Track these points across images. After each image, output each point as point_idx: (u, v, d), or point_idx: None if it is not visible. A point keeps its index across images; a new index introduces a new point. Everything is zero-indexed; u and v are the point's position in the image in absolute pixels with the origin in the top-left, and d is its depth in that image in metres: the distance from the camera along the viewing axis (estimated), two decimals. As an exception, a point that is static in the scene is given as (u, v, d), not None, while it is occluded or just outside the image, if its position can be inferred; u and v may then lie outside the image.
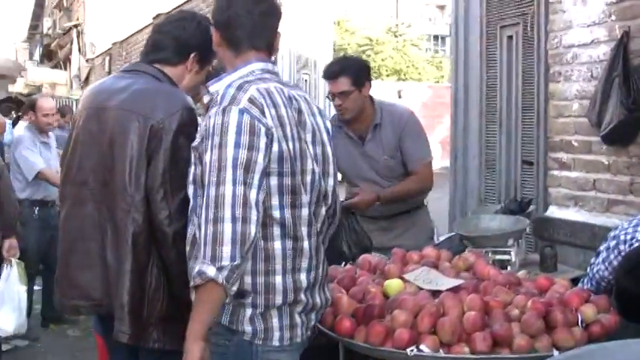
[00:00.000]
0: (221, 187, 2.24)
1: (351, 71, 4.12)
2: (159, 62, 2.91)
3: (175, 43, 2.90)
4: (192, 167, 2.46)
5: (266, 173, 2.33)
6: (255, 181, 2.27)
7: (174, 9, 12.20)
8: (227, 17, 2.53)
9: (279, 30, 2.62)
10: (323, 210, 2.58)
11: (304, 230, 2.46)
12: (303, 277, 2.47)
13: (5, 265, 5.34)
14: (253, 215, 2.25)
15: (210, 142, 2.31)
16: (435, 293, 2.89)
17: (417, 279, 3.05)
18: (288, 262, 2.43)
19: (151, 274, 2.71)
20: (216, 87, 2.49)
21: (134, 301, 2.68)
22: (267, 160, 2.33)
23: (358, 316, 2.80)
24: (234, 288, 2.25)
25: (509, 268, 3.66)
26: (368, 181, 4.27)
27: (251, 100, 2.34)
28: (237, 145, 2.27)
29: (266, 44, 2.57)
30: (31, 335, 6.29)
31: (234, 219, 2.22)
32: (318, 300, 2.56)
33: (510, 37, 5.67)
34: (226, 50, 2.57)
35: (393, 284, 3.02)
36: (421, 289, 2.96)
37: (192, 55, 2.91)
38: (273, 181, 2.37)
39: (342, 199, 3.95)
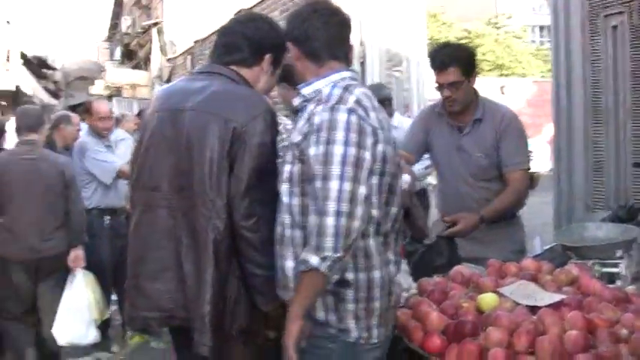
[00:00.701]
0: (327, 181, 2.48)
1: (460, 61, 4.12)
2: (234, 64, 2.95)
3: (250, 43, 2.94)
4: (289, 165, 2.65)
5: (371, 171, 2.55)
6: (363, 178, 2.51)
7: (256, 5, 12.35)
8: (304, 31, 2.75)
9: (351, 42, 2.84)
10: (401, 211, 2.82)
11: (389, 225, 2.71)
12: (392, 269, 2.72)
13: (70, 276, 5.41)
14: (358, 211, 2.48)
15: (316, 137, 2.54)
16: (534, 309, 2.85)
17: (514, 293, 3.01)
18: (383, 256, 2.68)
19: (231, 284, 2.75)
20: (308, 90, 2.75)
21: (216, 311, 2.71)
22: (373, 160, 2.55)
23: (449, 334, 2.78)
24: (336, 276, 2.51)
25: (618, 282, 3.56)
26: (458, 176, 4.27)
27: (357, 102, 2.61)
28: (346, 143, 2.50)
29: (344, 55, 2.80)
30: (113, 348, 6.48)
31: (338, 213, 2.45)
32: (398, 291, 2.84)
33: (615, 27, 5.53)
34: (307, 62, 2.78)
35: (488, 299, 2.99)
36: (518, 304, 2.93)
37: (267, 56, 2.96)
38: (374, 180, 2.59)
39: (442, 229, 3.97)
